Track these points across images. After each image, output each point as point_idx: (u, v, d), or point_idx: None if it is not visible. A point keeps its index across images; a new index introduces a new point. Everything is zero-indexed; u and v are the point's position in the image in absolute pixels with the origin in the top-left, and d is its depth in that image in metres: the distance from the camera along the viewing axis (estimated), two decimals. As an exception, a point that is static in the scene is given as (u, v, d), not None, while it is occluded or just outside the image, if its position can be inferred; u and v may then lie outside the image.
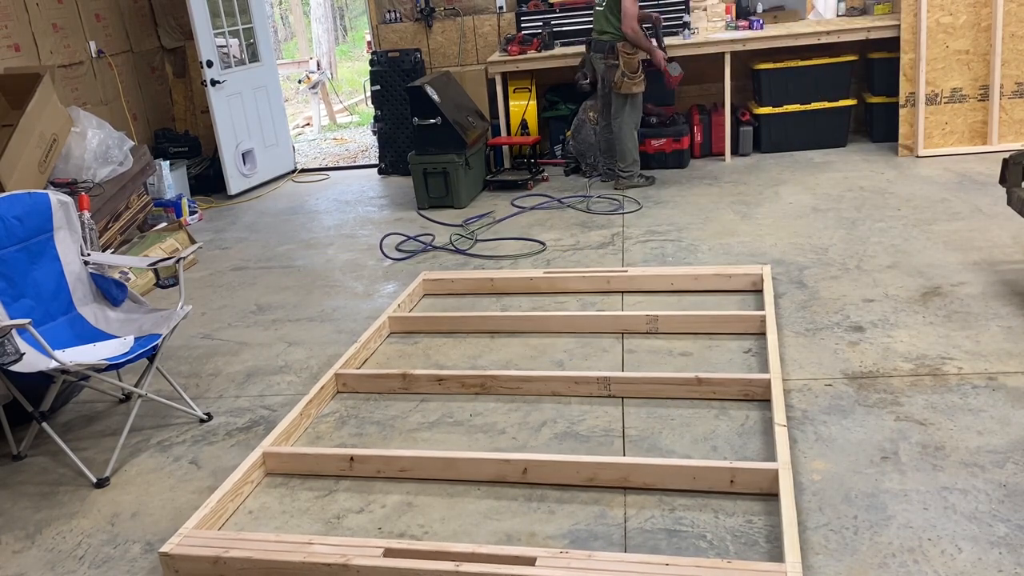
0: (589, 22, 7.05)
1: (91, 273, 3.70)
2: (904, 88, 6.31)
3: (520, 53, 6.87)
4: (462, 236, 5.63)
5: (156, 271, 5.20)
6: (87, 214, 3.76)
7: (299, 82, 12.07)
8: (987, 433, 2.90)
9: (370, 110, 8.95)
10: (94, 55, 6.97)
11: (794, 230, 5.09)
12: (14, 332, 3.00)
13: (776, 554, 2.43)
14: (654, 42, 6.14)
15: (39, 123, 5.31)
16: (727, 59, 6.60)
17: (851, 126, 6.99)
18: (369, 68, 7.58)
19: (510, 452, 3.06)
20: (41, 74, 5.46)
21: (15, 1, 6.16)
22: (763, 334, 3.77)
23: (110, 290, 3.71)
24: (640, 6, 6.08)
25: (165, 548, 2.58)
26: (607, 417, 3.25)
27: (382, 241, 5.68)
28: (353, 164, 8.65)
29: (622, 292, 4.45)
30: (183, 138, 7.82)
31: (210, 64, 7.12)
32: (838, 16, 7.03)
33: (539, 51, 6.89)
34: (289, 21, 20.50)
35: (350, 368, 3.76)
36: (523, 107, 7.11)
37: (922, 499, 2.60)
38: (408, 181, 7.06)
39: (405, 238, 5.69)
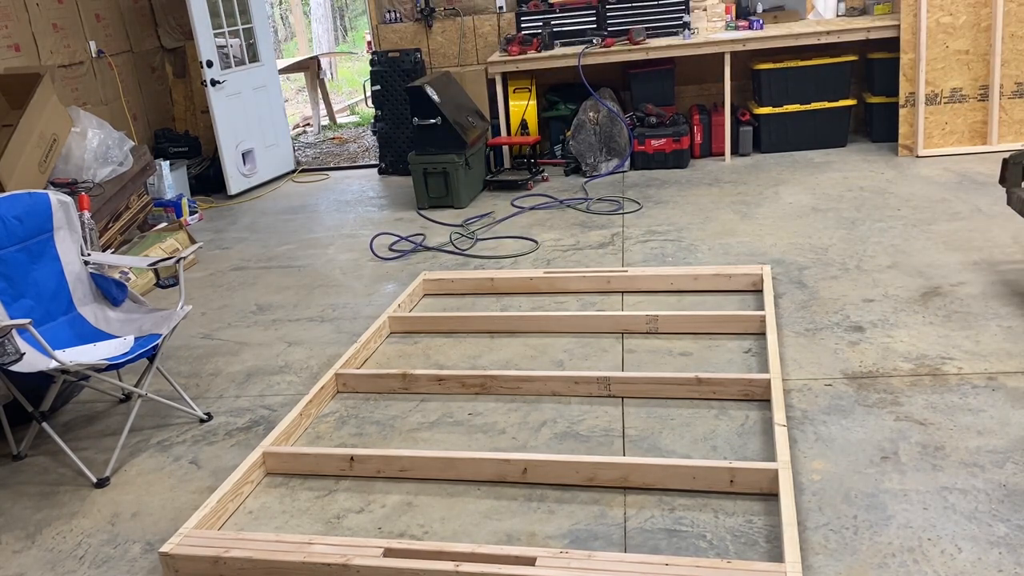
0: (589, 22, 7.06)
1: (91, 273, 3.70)
2: (904, 88, 6.31)
3: (520, 53, 6.87)
4: (462, 236, 5.64)
5: (156, 271, 5.20)
6: (87, 214, 3.76)
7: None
8: (987, 433, 2.90)
9: (370, 110, 8.95)
10: (94, 55, 6.98)
11: (794, 230, 5.09)
12: (14, 332, 3.00)
13: (776, 554, 2.43)
14: None
15: (39, 123, 5.31)
16: (727, 59, 6.60)
17: (851, 126, 6.99)
18: (369, 68, 7.58)
19: (510, 452, 3.06)
20: (41, 74, 5.46)
21: (15, 1, 6.16)
22: (763, 334, 3.77)
23: (110, 290, 3.71)
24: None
25: (165, 548, 2.58)
26: (607, 417, 3.25)
27: (372, 241, 5.69)
28: (353, 164, 8.65)
29: (622, 292, 4.46)
30: (183, 138, 7.83)
31: (210, 64, 7.12)
32: (838, 16, 7.03)
33: (539, 51, 6.89)
34: (289, 21, 20.50)
35: (350, 368, 3.76)
36: (523, 107, 7.11)
37: (922, 499, 2.60)
38: (408, 181, 7.07)
39: (398, 238, 5.69)
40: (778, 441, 2.84)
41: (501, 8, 7.38)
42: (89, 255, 3.71)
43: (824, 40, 6.47)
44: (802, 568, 2.29)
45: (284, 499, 2.95)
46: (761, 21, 6.73)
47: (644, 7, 6.94)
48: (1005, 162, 3.94)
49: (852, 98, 6.79)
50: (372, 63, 7.49)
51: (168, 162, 7.05)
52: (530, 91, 7.12)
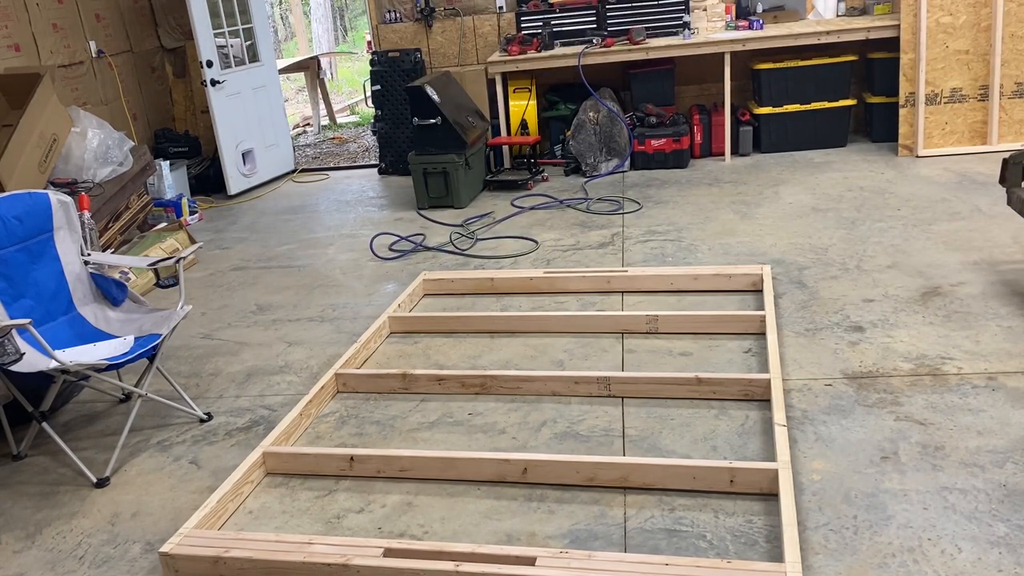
0: (589, 22, 7.06)
1: (91, 273, 3.70)
2: (904, 88, 6.31)
3: (520, 53, 6.86)
4: (462, 236, 5.64)
5: (156, 271, 5.20)
6: (87, 214, 3.76)
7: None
8: (987, 433, 2.90)
9: (370, 110, 8.95)
10: (94, 55, 6.97)
11: (794, 230, 5.09)
12: (14, 332, 3.00)
13: (776, 554, 2.43)
14: None
15: (39, 123, 5.31)
16: (727, 59, 6.60)
17: (851, 126, 6.99)
18: (369, 68, 7.58)
19: (510, 452, 3.06)
20: (41, 74, 5.46)
21: (15, 1, 6.16)
22: (763, 334, 3.77)
23: (110, 290, 3.71)
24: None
25: (165, 548, 2.58)
26: (607, 417, 3.25)
27: (372, 241, 5.69)
28: (353, 164, 8.65)
29: (622, 292, 4.46)
30: (183, 138, 7.82)
31: (210, 64, 7.12)
32: (838, 16, 7.03)
33: (539, 51, 6.89)
34: (289, 21, 20.49)
35: (350, 368, 3.76)
36: (523, 107, 7.11)
37: (922, 499, 2.60)
38: (408, 181, 7.07)
39: (398, 238, 5.70)
40: (778, 441, 2.84)
41: (501, 8, 7.38)
42: (89, 255, 3.71)
43: (824, 40, 6.47)
44: (802, 568, 2.29)
45: (284, 499, 2.95)
46: (761, 21, 6.73)
47: (644, 7, 6.94)
48: (1005, 162, 3.94)
49: (852, 98, 6.79)
50: (372, 63, 7.49)
51: (168, 162, 7.06)
52: (530, 91, 7.12)
